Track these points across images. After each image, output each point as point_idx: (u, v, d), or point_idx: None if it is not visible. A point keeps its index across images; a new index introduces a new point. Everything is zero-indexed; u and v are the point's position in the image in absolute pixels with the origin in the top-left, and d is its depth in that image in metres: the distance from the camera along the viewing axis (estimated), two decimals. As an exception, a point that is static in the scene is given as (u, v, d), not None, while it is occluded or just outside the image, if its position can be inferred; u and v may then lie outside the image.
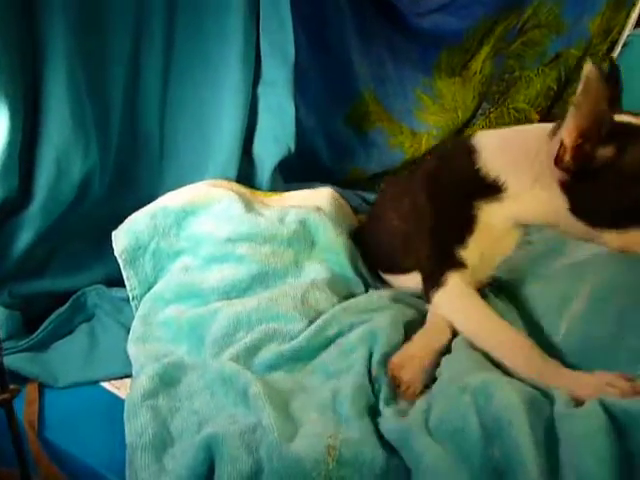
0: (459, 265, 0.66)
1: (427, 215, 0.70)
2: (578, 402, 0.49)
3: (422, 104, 1.31)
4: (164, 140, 0.93)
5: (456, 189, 0.68)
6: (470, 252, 0.67)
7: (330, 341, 0.70)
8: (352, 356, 0.65)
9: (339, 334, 0.70)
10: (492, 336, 0.61)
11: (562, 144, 0.58)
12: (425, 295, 0.70)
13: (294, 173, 1.15)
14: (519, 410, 0.47)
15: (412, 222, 0.74)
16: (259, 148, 0.96)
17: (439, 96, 1.31)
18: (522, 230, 0.70)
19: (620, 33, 1.20)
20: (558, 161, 0.59)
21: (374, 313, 0.73)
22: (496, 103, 1.30)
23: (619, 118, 0.58)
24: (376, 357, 0.63)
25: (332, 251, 0.86)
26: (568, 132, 0.57)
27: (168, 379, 0.65)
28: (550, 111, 1.28)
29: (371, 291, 0.85)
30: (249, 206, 0.85)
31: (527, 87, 1.27)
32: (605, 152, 0.57)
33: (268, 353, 0.68)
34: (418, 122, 1.29)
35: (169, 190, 0.87)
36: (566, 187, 0.61)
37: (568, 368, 0.56)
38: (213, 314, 0.73)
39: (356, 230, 0.97)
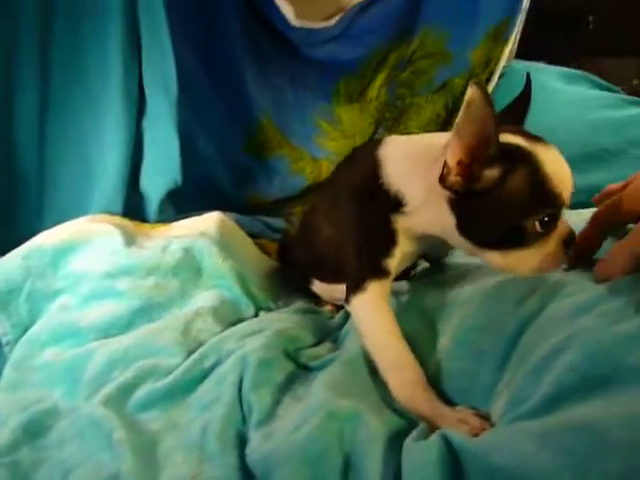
0: (383, 273, 0.66)
1: (353, 227, 0.70)
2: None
3: (321, 130, 1.34)
4: (44, 177, 0.91)
5: (372, 203, 0.68)
6: (396, 259, 0.67)
7: (207, 373, 0.69)
8: (223, 385, 0.64)
9: (216, 364, 0.70)
10: (384, 352, 0.62)
11: (445, 164, 0.58)
12: (345, 299, 0.69)
13: (194, 201, 1.15)
14: (378, 444, 0.49)
15: (342, 232, 0.73)
16: (145, 181, 0.96)
17: (338, 122, 1.35)
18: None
19: (497, 64, 1.29)
20: (442, 180, 0.59)
21: (251, 337, 0.73)
22: (390, 129, 1.35)
23: (513, 139, 0.58)
24: (247, 381, 0.63)
25: (220, 276, 0.86)
26: (451, 153, 0.57)
27: (35, 429, 0.62)
28: (440, 136, 1.35)
29: (261, 314, 0.86)
30: (130, 240, 0.84)
31: (418, 114, 1.33)
32: (491, 174, 0.57)
33: (142, 391, 0.66)
34: (318, 148, 1.33)
35: (50, 228, 0.85)
36: (453, 205, 0.61)
37: (439, 400, 0.58)
38: (90, 354, 0.71)
39: (285, 242, 0.98)
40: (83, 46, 0.88)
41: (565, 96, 1.16)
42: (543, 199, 0.56)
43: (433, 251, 0.76)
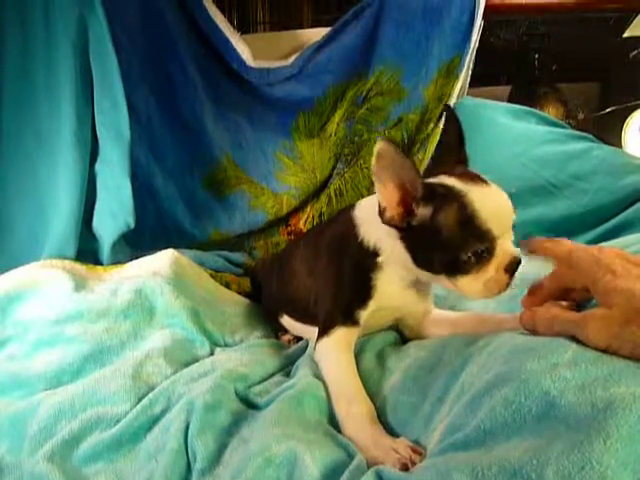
0: (352, 322, 0.72)
1: (333, 279, 0.76)
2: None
3: (283, 165, 1.36)
4: (-3, 222, 0.90)
5: (352, 262, 0.74)
6: (368, 311, 0.72)
7: (157, 419, 0.68)
8: (170, 431, 0.63)
9: (166, 409, 0.69)
10: (338, 388, 0.66)
11: (380, 204, 0.66)
12: (315, 344, 0.74)
13: (155, 239, 1.16)
14: None
15: (321, 282, 0.79)
16: (97, 224, 0.96)
17: (299, 157, 1.38)
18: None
19: (449, 100, 1.34)
20: (380, 216, 0.66)
21: (202, 379, 0.73)
22: (349, 164, 1.39)
23: (447, 180, 0.65)
24: (192, 427, 0.62)
25: (173, 314, 0.86)
26: (379, 195, 0.65)
27: (-23, 489, 0.60)
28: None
29: (216, 350, 0.86)
30: (80, 284, 0.83)
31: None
32: (423, 212, 0.64)
33: (88, 443, 0.65)
34: (279, 183, 1.35)
35: (1, 274, 0.84)
36: (404, 241, 0.68)
37: (385, 431, 0.60)
38: (35, 406, 0.69)
39: (258, 272, 1.06)
40: (35, 93, 0.89)
41: (513, 131, 1.20)
42: (472, 235, 0.62)
43: (405, 312, 0.79)
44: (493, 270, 0.63)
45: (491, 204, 0.63)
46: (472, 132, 1.27)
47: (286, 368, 0.82)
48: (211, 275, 1.13)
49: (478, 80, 1.44)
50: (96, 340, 0.78)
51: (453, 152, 0.73)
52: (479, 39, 1.33)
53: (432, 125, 1.35)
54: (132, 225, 0.97)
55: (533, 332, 0.57)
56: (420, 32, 1.30)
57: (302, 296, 0.84)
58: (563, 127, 1.22)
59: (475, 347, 0.61)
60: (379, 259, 0.72)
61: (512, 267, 0.63)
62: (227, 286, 1.14)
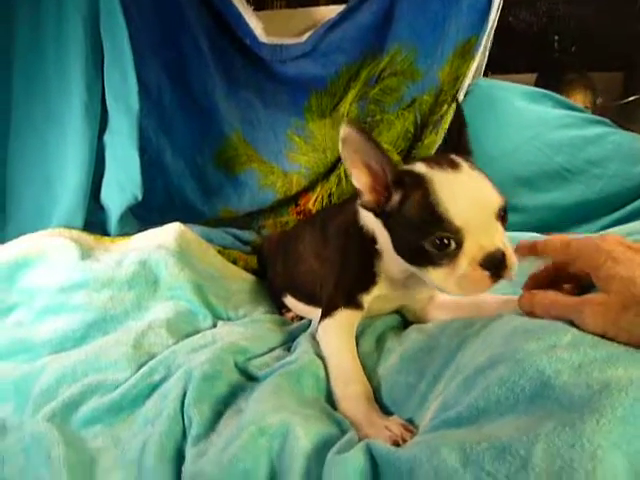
0: (355, 306, 0.71)
1: (338, 263, 0.75)
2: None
3: (294, 145, 1.35)
4: (6, 192, 0.91)
5: (356, 248, 0.73)
6: (372, 296, 0.72)
7: (156, 387, 0.69)
8: (168, 399, 0.64)
9: (165, 378, 0.69)
10: (337, 368, 0.66)
11: (357, 188, 0.65)
12: (317, 326, 0.74)
13: (164, 214, 1.16)
14: (303, 459, 0.50)
15: (327, 267, 0.79)
16: (105, 195, 0.97)
17: (311, 137, 1.37)
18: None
19: (464, 82, 1.31)
20: (361, 202, 0.66)
21: (202, 350, 0.73)
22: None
23: (420, 167, 0.63)
24: (189, 396, 0.63)
25: (177, 287, 0.87)
26: (354, 178, 0.64)
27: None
28: (410, 152, 1.37)
29: (219, 324, 0.87)
30: (87, 253, 0.84)
31: (389, 129, 1.35)
32: (395, 197, 0.63)
33: (87, 407, 0.66)
34: (289, 163, 1.34)
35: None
36: (385, 226, 0.66)
37: (381, 411, 0.60)
38: (40, 370, 0.71)
39: (264, 249, 1.07)
40: (45, 66, 0.89)
41: (528, 115, 1.18)
42: (433, 223, 0.58)
43: (410, 299, 0.78)
44: (465, 265, 0.59)
45: (458, 192, 0.59)
46: (486, 114, 1.26)
47: (287, 343, 0.82)
48: (219, 251, 1.14)
49: (496, 65, 1.41)
50: (100, 309, 0.79)
51: (452, 143, 0.70)
52: (497, 20, 1.30)
53: (446, 107, 1.33)
54: (139, 197, 0.97)
55: (531, 315, 0.57)
56: (437, 11, 1.27)
57: (308, 279, 0.84)
58: (580, 111, 1.19)
59: (472, 329, 0.60)
60: (377, 246, 0.71)
61: (490, 263, 0.58)
62: (234, 263, 1.15)
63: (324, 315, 0.73)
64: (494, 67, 1.48)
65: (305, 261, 0.86)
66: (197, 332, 0.82)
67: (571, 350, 0.46)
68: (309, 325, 0.85)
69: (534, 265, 0.66)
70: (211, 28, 1.19)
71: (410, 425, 0.56)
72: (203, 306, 0.87)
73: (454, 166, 0.62)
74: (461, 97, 1.31)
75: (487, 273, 0.58)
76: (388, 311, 0.80)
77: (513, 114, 1.20)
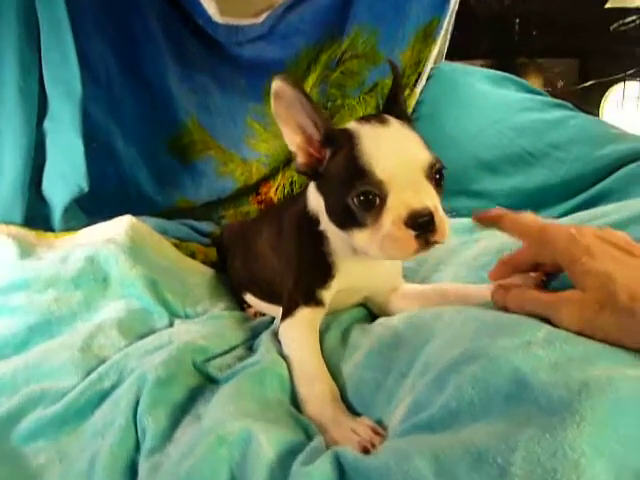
0: (315, 303, 0.68)
1: (294, 259, 0.72)
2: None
3: (253, 131, 1.30)
4: None
5: (309, 240, 0.69)
6: (332, 291, 0.68)
7: (106, 394, 0.64)
8: (119, 407, 0.59)
9: (116, 384, 0.65)
10: (300, 369, 0.63)
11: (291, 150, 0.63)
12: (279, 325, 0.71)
13: (116, 206, 1.09)
14: (265, 469, 0.46)
15: (285, 262, 0.75)
16: (47, 187, 0.90)
17: (271, 123, 1.31)
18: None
19: (426, 65, 1.29)
20: (296, 165, 0.64)
21: (157, 352, 0.68)
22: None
23: (353, 124, 0.61)
24: (143, 403, 0.58)
25: (129, 284, 0.81)
26: (286, 139, 0.62)
27: None
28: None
29: (176, 322, 0.82)
30: (27, 251, 0.78)
31: (350, 115, 1.31)
32: (327, 156, 0.61)
33: (29, 420, 0.60)
34: (249, 150, 1.29)
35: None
36: (319, 191, 0.65)
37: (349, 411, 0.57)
38: (-25, 380, 0.65)
39: (224, 239, 1.02)
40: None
41: (492, 98, 1.16)
42: (356, 175, 0.56)
43: (373, 290, 0.75)
44: (389, 224, 0.55)
45: (383, 145, 0.57)
46: (449, 98, 1.24)
47: (249, 342, 0.78)
48: (175, 245, 1.08)
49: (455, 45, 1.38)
50: (43, 311, 0.73)
51: (388, 108, 0.67)
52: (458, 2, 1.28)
53: (408, 91, 1.30)
54: (85, 188, 0.90)
55: (504, 310, 0.55)
56: None
57: (268, 276, 0.80)
58: (541, 95, 1.19)
59: (441, 322, 0.57)
60: (320, 227, 0.67)
61: (416, 222, 0.54)
62: (192, 256, 1.09)
63: (284, 315, 0.69)
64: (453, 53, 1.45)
65: (263, 257, 0.82)
66: (152, 332, 0.78)
67: (546, 347, 0.44)
68: (272, 322, 0.82)
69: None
70: (161, 6, 1.11)
71: (379, 427, 0.53)
72: (158, 304, 0.82)
73: (383, 122, 0.60)
74: (424, 81, 1.29)
75: (412, 233, 0.55)
76: (352, 304, 0.76)
77: (476, 98, 1.18)
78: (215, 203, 1.29)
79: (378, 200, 0.56)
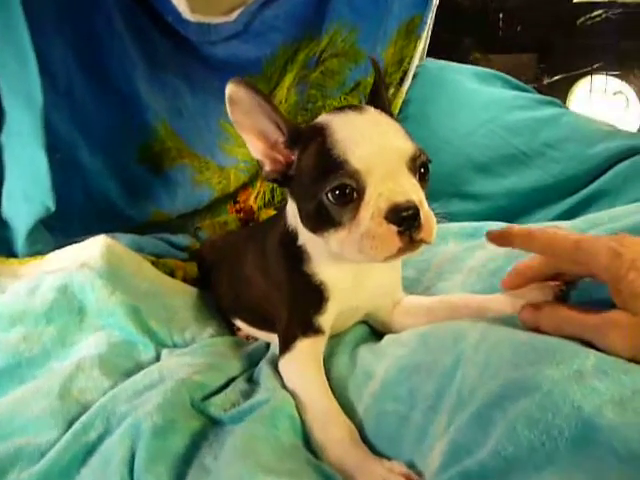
0: (314, 332, 0.62)
1: (284, 285, 0.65)
2: None
3: (228, 136, 1.22)
4: None
5: (293, 258, 0.63)
6: (329, 315, 0.62)
7: (92, 449, 0.55)
8: (111, 466, 0.51)
9: (104, 435, 0.56)
10: (311, 411, 0.56)
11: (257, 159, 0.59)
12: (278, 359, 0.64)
13: (84, 223, 1.00)
14: None
15: (275, 289, 0.68)
16: (8, 208, 0.80)
17: (247, 127, 1.24)
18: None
19: (410, 63, 1.24)
20: (263, 174, 0.60)
21: (148, 392, 0.61)
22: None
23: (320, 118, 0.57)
24: (139, 457, 0.51)
25: (108, 314, 0.74)
26: (250, 148, 0.58)
27: None
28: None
29: (163, 353, 0.74)
30: (-12, 282, 0.68)
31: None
32: (294, 157, 0.57)
33: (5, 486, 0.52)
34: (225, 156, 1.21)
35: None
36: (292, 198, 0.60)
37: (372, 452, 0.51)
38: None
39: (205, 255, 0.96)
40: None
41: (481, 97, 1.12)
42: (329, 168, 0.51)
43: (372, 306, 0.69)
44: (367, 218, 0.50)
45: (358, 133, 0.52)
46: (437, 97, 1.19)
47: (248, 371, 0.71)
48: (152, 262, 1.00)
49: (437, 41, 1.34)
50: (11, 351, 0.65)
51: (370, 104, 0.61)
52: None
53: (393, 90, 1.25)
54: (52, 208, 0.81)
55: (535, 330, 0.50)
56: None
57: (258, 301, 0.74)
58: (529, 91, 1.16)
59: (466, 343, 0.52)
60: (298, 242, 0.62)
61: (398, 216, 0.49)
62: (171, 274, 1.01)
63: (283, 349, 0.63)
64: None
65: (251, 281, 0.74)
66: (138, 367, 0.70)
67: (603, 378, 0.39)
68: (268, 346, 0.75)
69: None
70: (127, 3, 1.02)
71: (413, 473, 0.47)
72: (142, 334, 0.74)
73: (357, 110, 0.56)
74: (409, 80, 1.24)
75: (395, 229, 0.50)
76: (352, 324, 0.70)
77: (465, 96, 1.14)
78: (191, 214, 1.21)
79: (355, 194, 0.51)
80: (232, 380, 0.68)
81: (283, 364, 0.62)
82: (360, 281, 0.64)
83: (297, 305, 0.63)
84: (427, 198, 0.54)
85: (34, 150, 0.79)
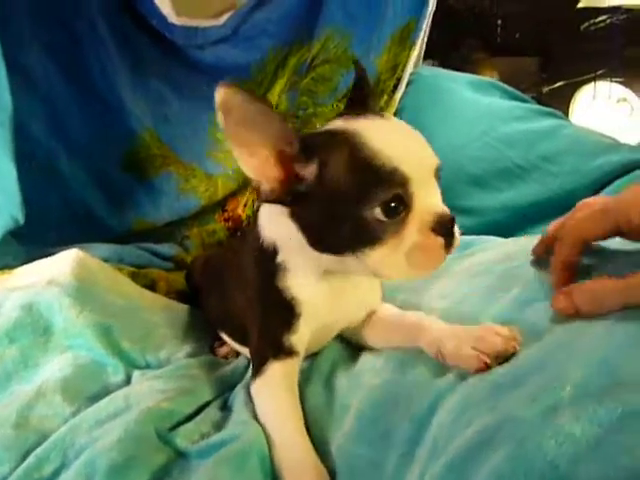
0: (287, 354, 0.58)
1: (254, 301, 0.62)
2: None
3: (217, 143, 1.18)
4: None
5: (263, 275, 0.59)
6: (302, 335, 0.58)
7: (47, 485, 0.52)
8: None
9: (59, 470, 0.52)
10: (281, 448, 0.52)
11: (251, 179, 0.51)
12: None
13: (64, 233, 0.97)
14: None
15: (246, 308, 0.64)
16: (-26, 221, 0.76)
17: (237, 133, 1.20)
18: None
19: (404, 70, 1.20)
20: (259, 195, 0.51)
21: (111, 422, 0.57)
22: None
23: (331, 125, 0.52)
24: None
25: (75, 334, 0.70)
26: (243, 164, 0.49)
27: None
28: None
29: (135, 375, 0.70)
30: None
31: (323, 124, 1.21)
32: (309, 170, 0.50)
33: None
34: (212, 163, 1.17)
35: None
36: (295, 219, 0.53)
37: None
38: None
39: (195, 273, 0.91)
40: None
41: (476, 107, 1.08)
42: (375, 179, 0.47)
43: (347, 321, 0.65)
44: (415, 232, 0.48)
45: (394, 139, 0.49)
46: (431, 106, 1.15)
47: (222, 396, 0.68)
48: (132, 273, 0.96)
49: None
50: (-31, 375, 0.60)
51: (356, 106, 0.58)
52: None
53: (386, 97, 1.21)
54: (21, 220, 0.77)
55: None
56: None
57: (240, 318, 0.69)
58: (528, 102, 1.12)
59: (445, 381, 0.48)
60: (278, 259, 0.57)
61: (443, 227, 0.48)
62: (153, 284, 0.98)
63: (254, 373, 0.59)
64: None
65: (233, 298, 0.70)
66: (106, 391, 0.66)
67: (579, 415, 0.35)
68: (246, 368, 0.71)
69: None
70: (109, 6, 0.99)
71: None
72: (112, 355, 0.70)
73: (379, 116, 0.52)
74: (403, 87, 1.20)
75: (441, 240, 0.48)
76: (328, 337, 0.66)
77: (460, 106, 1.10)
78: (178, 222, 1.17)
79: (402, 206, 0.48)
80: (206, 405, 0.64)
81: (254, 389, 0.59)
82: (337, 296, 0.60)
83: (267, 323, 0.60)
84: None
85: (2, 161, 0.75)
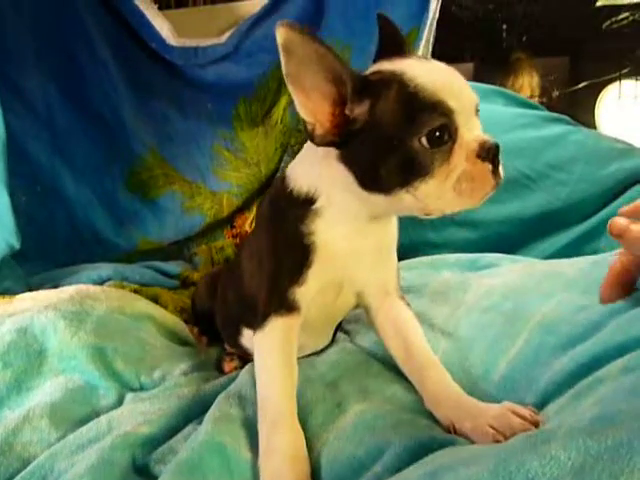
0: (288, 309, 0.58)
1: (264, 252, 0.62)
2: None
3: (222, 160, 1.19)
4: None
5: (284, 222, 0.59)
6: (309, 289, 0.58)
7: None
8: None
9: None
10: (265, 403, 0.54)
11: (305, 121, 0.50)
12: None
13: (69, 254, 0.99)
14: None
15: (257, 262, 0.64)
16: (-31, 247, 0.78)
17: (241, 149, 1.21)
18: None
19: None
20: (312, 139, 0.51)
21: (91, 447, 0.56)
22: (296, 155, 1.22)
23: (381, 66, 0.52)
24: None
25: (69, 357, 0.69)
26: (300, 107, 0.49)
27: None
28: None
29: (127, 396, 0.70)
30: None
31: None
32: (362, 110, 0.50)
33: None
34: (217, 180, 1.18)
35: None
36: (344, 161, 0.53)
37: None
38: None
39: (202, 295, 0.91)
40: None
41: (480, 114, 1.05)
42: (421, 110, 0.48)
43: (363, 284, 0.64)
44: (463, 160, 0.49)
45: (440, 76, 0.50)
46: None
47: (204, 414, 0.66)
48: (135, 290, 0.97)
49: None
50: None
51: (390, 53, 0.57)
52: (439, 9, 1.17)
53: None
54: (16, 246, 0.78)
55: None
56: (369, 2, 1.13)
57: (254, 291, 0.67)
58: (535, 108, 1.08)
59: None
60: (315, 206, 0.56)
61: (489, 152, 0.50)
62: (154, 301, 0.98)
63: (258, 325, 0.59)
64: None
65: (244, 269, 0.70)
66: (95, 413, 0.65)
67: (567, 443, 0.33)
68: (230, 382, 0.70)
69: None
70: (111, 30, 1.01)
71: None
72: (105, 377, 0.70)
73: (421, 58, 0.55)
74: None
75: (489, 166, 0.50)
76: (338, 307, 0.66)
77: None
78: (185, 240, 1.18)
79: (447, 136, 0.49)
80: (185, 426, 0.63)
81: (256, 340, 0.59)
82: (355, 251, 0.59)
83: (275, 274, 0.60)
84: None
85: (-5, 183, 0.77)
